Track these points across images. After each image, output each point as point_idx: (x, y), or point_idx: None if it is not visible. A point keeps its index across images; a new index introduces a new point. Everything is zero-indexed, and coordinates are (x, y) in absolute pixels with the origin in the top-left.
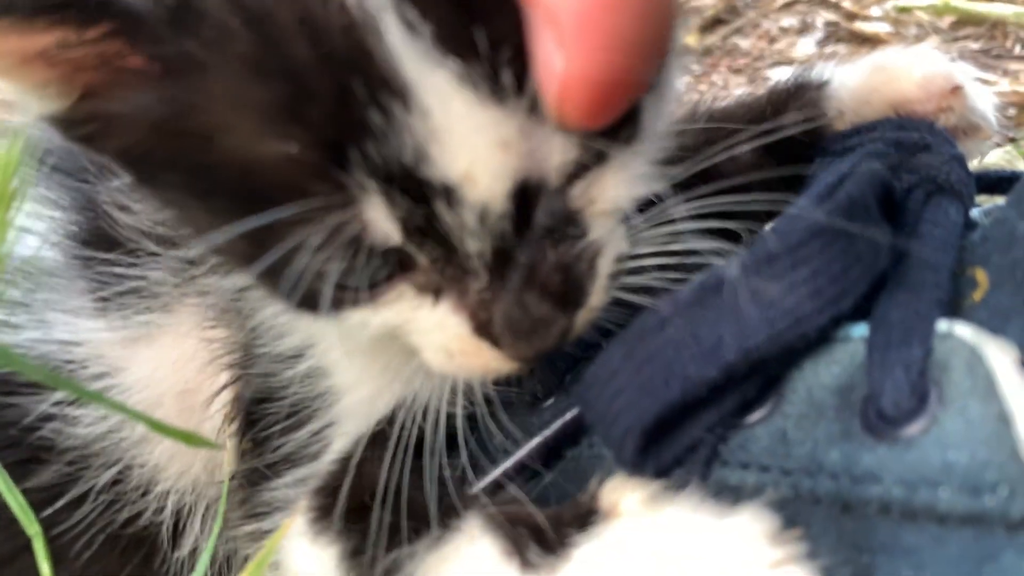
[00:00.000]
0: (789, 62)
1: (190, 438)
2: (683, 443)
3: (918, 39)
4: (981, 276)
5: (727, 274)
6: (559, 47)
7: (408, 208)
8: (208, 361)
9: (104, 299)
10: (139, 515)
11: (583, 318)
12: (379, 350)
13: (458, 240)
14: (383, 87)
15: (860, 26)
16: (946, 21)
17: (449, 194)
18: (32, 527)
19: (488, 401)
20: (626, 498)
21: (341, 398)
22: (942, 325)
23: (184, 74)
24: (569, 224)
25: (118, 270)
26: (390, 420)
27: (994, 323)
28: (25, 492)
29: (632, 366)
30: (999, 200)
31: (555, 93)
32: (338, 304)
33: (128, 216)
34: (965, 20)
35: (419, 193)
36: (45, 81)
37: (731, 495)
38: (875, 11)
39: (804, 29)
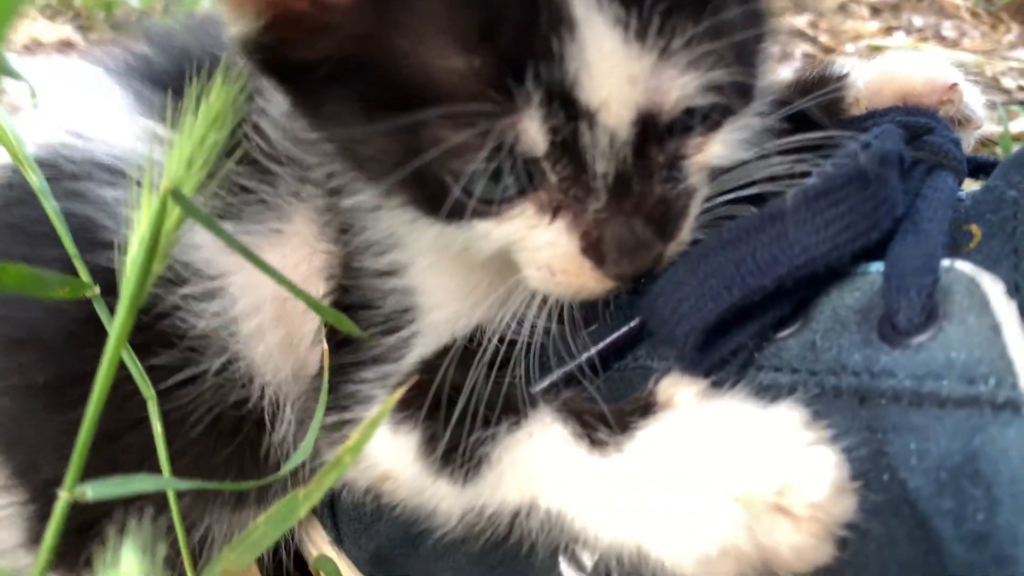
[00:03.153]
0: None
1: (340, 319)
2: (729, 347)
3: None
4: (975, 229)
5: (783, 207)
6: None
7: (559, 122)
8: (308, 273)
9: (228, 209)
10: (245, 400)
11: (672, 249)
12: (466, 276)
13: (590, 159)
14: (560, 20)
15: (835, 59)
16: None
17: (591, 117)
18: (148, 391)
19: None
20: (680, 392)
21: (427, 314)
22: (945, 262)
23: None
24: (675, 167)
25: (246, 183)
26: (470, 338)
27: (986, 264)
28: (147, 369)
29: (697, 279)
30: (976, 185)
31: None
32: (467, 212)
33: (260, 139)
34: None
35: (570, 112)
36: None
37: (765, 393)
38: (849, 47)
39: (783, 58)
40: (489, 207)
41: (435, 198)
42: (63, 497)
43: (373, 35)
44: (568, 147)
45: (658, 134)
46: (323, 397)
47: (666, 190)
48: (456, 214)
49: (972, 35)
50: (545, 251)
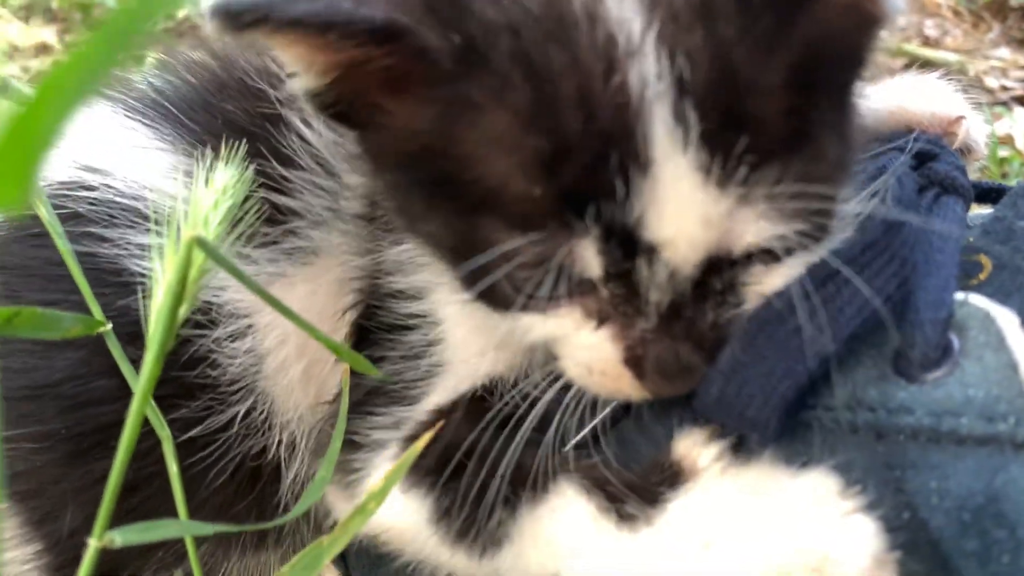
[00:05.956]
0: None
1: (357, 360)
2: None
3: (872, 76)
4: (985, 261)
5: (829, 268)
6: None
7: (617, 258)
8: (334, 307)
9: (260, 244)
10: (265, 448)
11: None
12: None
13: (645, 289)
14: (633, 161)
15: None
16: (899, 63)
17: (652, 252)
18: (163, 430)
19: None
20: (703, 455)
21: (448, 348)
22: (959, 295)
23: (462, 110)
24: (732, 293)
25: (279, 203)
26: (488, 390)
27: (997, 297)
28: (170, 422)
29: (758, 355)
30: (983, 209)
31: None
32: (515, 306)
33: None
34: (915, 63)
35: (629, 247)
36: (314, 64)
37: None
38: None
39: None
40: (537, 303)
41: (486, 290)
42: (92, 544)
43: (440, 135)
44: (624, 276)
45: (721, 268)
46: (340, 425)
47: (719, 315)
48: (504, 306)
49: (954, 34)
50: (586, 352)
